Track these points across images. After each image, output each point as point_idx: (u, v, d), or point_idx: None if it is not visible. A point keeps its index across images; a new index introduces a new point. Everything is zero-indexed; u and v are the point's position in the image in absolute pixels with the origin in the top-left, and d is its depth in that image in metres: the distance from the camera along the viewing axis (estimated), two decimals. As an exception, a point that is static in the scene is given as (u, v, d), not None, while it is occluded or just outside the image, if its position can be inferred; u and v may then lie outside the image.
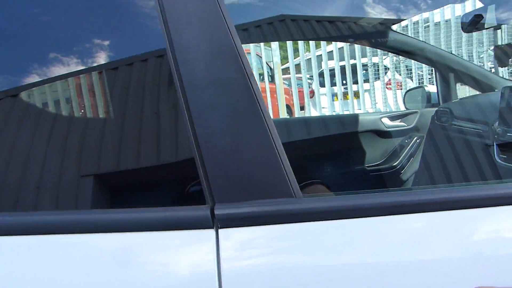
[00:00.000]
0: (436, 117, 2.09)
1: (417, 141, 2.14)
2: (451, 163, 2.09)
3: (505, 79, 2.08)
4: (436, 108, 2.11)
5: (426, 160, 2.11)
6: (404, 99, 2.39)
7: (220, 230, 0.65)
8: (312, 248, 0.66)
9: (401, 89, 5.98)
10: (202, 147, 0.68)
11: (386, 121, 2.21)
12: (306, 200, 0.68)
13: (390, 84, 6.35)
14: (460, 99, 2.15)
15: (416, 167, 2.14)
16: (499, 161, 1.54)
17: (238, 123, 0.69)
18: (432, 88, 2.28)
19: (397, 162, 2.15)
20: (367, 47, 5.58)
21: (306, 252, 0.66)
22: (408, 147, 2.13)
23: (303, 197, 0.68)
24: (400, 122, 2.16)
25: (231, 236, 0.66)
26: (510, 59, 1.49)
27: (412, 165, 2.14)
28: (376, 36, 2.10)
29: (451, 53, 2.07)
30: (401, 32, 1.98)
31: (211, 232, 0.65)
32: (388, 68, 6.36)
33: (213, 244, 0.64)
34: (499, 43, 2.06)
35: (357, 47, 5.86)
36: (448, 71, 2.07)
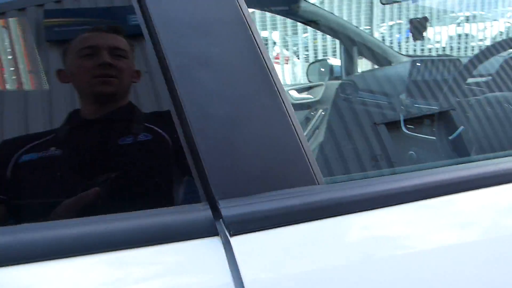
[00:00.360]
0: (341, 89, 2.13)
1: (322, 113, 2.16)
2: (357, 134, 2.17)
3: (401, 54, 2.20)
4: (340, 81, 2.15)
5: (331, 132, 2.15)
6: (307, 72, 2.39)
7: (232, 239, 0.43)
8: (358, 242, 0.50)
9: (287, 63, 6.14)
10: (190, 119, 0.47)
11: (294, 93, 2.18)
12: (335, 187, 0.53)
13: (278, 59, 6.48)
14: (362, 72, 2.22)
15: (322, 139, 2.17)
16: (406, 131, 1.60)
17: (240, 85, 0.49)
18: (335, 61, 2.31)
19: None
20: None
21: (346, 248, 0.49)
22: (314, 119, 2.13)
23: (329, 185, 0.52)
24: (307, 94, 2.14)
25: (248, 245, 0.44)
26: (424, 32, 1.55)
27: (317, 137, 2.16)
28: (284, 3, 2.01)
29: (356, 26, 2.10)
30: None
31: (215, 243, 0.43)
32: (275, 43, 6.46)
33: (221, 260, 0.42)
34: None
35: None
36: (351, 44, 2.10)
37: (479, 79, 1.27)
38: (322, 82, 2.19)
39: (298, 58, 6.37)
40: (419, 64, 1.53)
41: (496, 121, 1.12)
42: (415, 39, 1.56)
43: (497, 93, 1.09)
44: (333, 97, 2.16)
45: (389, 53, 2.15)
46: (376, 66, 2.22)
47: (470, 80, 1.24)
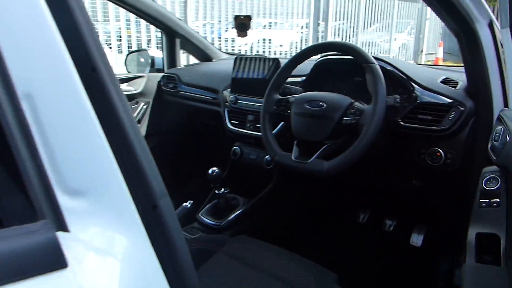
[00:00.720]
0: (163, 82, 2.05)
1: (144, 106, 2.04)
2: (175, 126, 2.12)
3: (222, 51, 2.26)
4: (162, 74, 2.07)
5: (151, 126, 2.06)
6: (125, 62, 2.21)
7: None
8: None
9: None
10: None
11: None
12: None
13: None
14: (186, 66, 2.19)
15: (144, 133, 2.05)
16: (231, 127, 1.65)
17: None
18: (156, 53, 2.20)
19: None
20: None
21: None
22: (136, 112, 2.00)
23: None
24: (127, 86, 1.98)
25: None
26: (247, 30, 1.60)
27: (142, 130, 2.03)
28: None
29: (180, 19, 2.04)
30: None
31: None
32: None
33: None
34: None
35: None
36: (174, 36, 2.04)
37: (297, 79, 1.41)
38: (143, 73, 2.07)
39: (110, 48, 5.94)
40: (242, 61, 1.59)
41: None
42: (239, 35, 1.61)
43: (308, 93, 1.22)
44: (156, 90, 2.07)
45: (211, 49, 2.18)
46: (196, 61, 2.23)
47: (289, 79, 1.34)
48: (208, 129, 1.94)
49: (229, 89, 1.66)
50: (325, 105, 1.15)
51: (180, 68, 2.08)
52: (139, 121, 2.00)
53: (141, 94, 2.02)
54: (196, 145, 2.17)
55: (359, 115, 1.10)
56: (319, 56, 1.40)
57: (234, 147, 1.70)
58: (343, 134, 1.15)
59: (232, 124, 1.64)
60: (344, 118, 1.11)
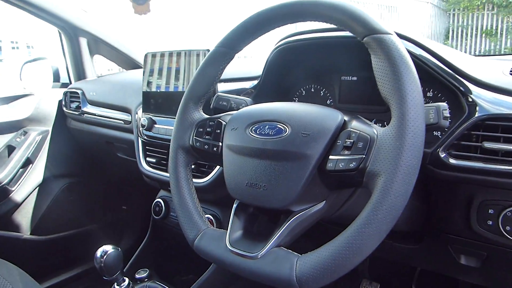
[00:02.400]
0: (65, 102, 1.42)
1: (37, 138, 1.39)
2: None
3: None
4: (65, 89, 1.44)
5: (52, 165, 1.41)
6: (21, 76, 1.57)
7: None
8: None
9: None
10: None
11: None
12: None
13: None
14: (99, 77, 1.55)
15: (40, 179, 1.40)
16: (147, 168, 1.02)
17: None
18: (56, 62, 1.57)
19: None
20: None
21: None
22: (22, 148, 1.35)
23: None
24: (8, 107, 1.34)
25: None
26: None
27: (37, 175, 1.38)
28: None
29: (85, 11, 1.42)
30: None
31: None
32: None
33: None
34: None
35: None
36: (77, 34, 1.42)
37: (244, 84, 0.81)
38: (35, 91, 1.43)
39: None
40: (155, 62, 0.97)
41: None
42: (137, 11, 1.00)
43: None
44: (56, 114, 1.43)
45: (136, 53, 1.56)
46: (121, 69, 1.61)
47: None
48: (125, 168, 1.30)
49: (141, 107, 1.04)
50: (289, 130, 0.53)
51: (88, 81, 1.45)
52: (28, 162, 1.35)
53: (30, 120, 1.38)
54: (114, 195, 1.54)
55: (363, 150, 0.48)
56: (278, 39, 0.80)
57: (156, 200, 1.07)
58: (332, 193, 0.54)
59: (149, 164, 1.01)
60: (332, 157, 0.50)
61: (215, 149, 0.63)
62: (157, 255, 1.10)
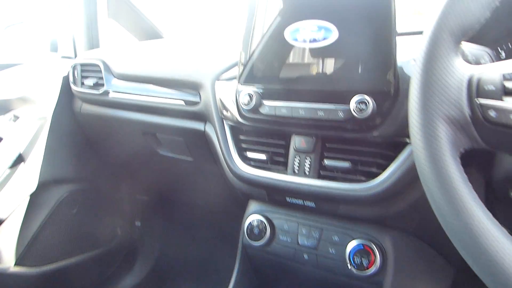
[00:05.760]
0: (74, 77, 1.01)
1: (34, 125, 0.97)
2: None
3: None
4: (73, 61, 1.04)
5: (48, 165, 0.99)
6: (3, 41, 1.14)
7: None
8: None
9: None
10: None
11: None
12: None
13: None
14: (118, 46, 1.15)
15: (35, 184, 0.98)
16: (241, 169, 0.66)
17: None
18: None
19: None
20: None
21: None
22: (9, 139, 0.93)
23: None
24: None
25: None
26: None
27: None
28: None
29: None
30: None
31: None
32: None
33: None
34: None
35: None
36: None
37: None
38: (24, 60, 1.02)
39: None
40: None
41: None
42: None
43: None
44: (59, 94, 1.02)
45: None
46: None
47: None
48: (172, 171, 0.92)
49: (230, 79, 0.68)
50: None
51: (111, 50, 1.05)
52: (19, 160, 0.93)
53: (24, 101, 0.96)
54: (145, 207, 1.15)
55: None
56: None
57: (250, 215, 0.70)
58: None
59: (249, 162, 0.64)
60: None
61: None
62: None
